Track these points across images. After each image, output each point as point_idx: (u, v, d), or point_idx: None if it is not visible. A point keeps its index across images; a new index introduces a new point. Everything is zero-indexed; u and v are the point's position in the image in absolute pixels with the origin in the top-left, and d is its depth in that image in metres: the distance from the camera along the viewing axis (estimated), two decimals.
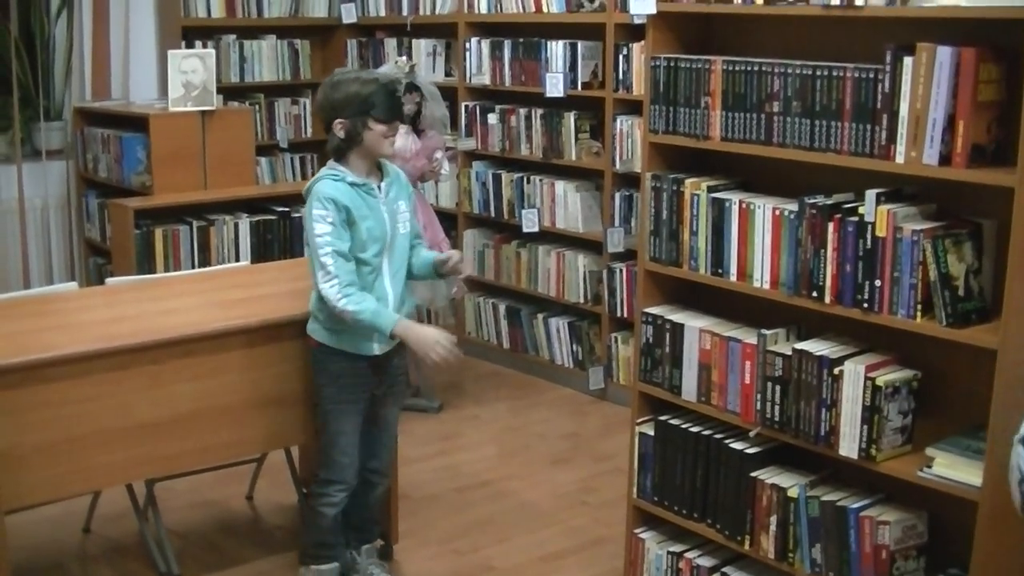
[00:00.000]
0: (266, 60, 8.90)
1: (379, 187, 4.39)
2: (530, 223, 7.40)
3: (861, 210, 3.62)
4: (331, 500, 4.55)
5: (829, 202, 3.73)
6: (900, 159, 3.52)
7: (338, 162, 4.36)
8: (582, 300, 7.31)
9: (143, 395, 4.34)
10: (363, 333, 4.38)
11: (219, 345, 4.52)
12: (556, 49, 7.20)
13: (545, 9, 7.29)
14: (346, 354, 4.42)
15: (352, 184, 4.30)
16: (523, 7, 7.42)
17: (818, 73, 3.72)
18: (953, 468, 3.51)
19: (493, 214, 7.82)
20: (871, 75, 3.57)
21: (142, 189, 7.19)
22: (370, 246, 4.30)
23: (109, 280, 5.60)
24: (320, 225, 4.23)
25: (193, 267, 6.74)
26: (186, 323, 4.56)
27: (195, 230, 6.92)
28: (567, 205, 7.30)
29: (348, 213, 4.25)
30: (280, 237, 7.15)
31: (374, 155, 4.37)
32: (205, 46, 8.30)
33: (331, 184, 4.28)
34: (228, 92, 8.55)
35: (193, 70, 7.23)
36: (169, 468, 4.70)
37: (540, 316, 7.60)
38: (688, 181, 4.16)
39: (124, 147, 7.40)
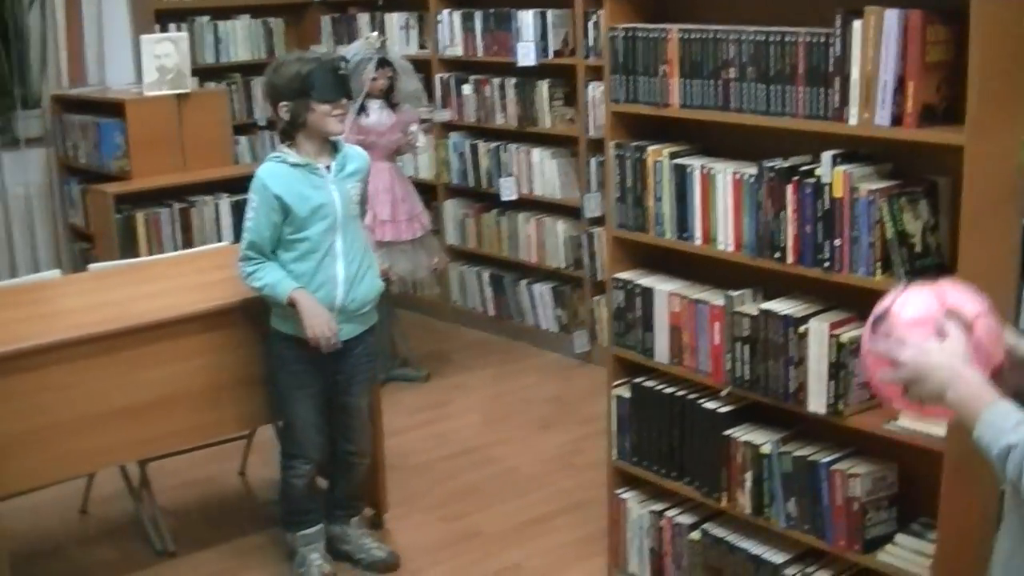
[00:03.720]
0: (241, 40, 8.96)
1: (328, 167, 4.45)
2: (508, 191, 7.48)
3: (818, 172, 3.70)
4: (296, 473, 4.68)
5: (786, 165, 3.80)
6: (853, 121, 3.59)
7: (285, 144, 4.44)
8: (563, 265, 7.39)
9: (128, 378, 4.43)
10: None
11: (200, 327, 4.60)
12: (526, 18, 7.26)
13: None
14: (298, 340, 4.48)
15: (294, 165, 4.38)
16: None
17: (771, 39, 3.78)
18: (918, 420, 3.60)
19: (471, 184, 7.90)
20: (822, 39, 3.63)
21: (121, 174, 7.25)
22: (313, 223, 4.38)
23: (92, 266, 5.68)
24: (248, 210, 4.40)
25: (175, 249, 6.81)
26: (168, 306, 4.63)
27: (176, 212, 6.99)
28: (544, 172, 7.37)
29: (281, 200, 4.34)
30: None
31: (321, 135, 4.43)
32: (179, 29, 8.33)
33: (269, 168, 4.40)
34: (204, 73, 8.59)
35: (167, 54, 7.27)
36: (157, 449, 4.79)
37: (523, 283, 7.69)
38: (650, 148, 4.23)
39: (102, 133, 7.47)
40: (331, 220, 4.41)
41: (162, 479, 5.42)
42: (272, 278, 4.37)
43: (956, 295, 2.35)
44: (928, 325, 2.25)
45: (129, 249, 6.78)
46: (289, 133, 4.44)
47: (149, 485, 5.16)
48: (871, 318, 2.41)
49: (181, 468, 5.64)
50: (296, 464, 4.67)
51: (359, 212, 4.66)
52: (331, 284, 4.43)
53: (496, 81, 7.59)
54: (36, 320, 4.58)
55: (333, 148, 4.51)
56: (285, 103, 4.38)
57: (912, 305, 2.32)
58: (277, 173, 4.36)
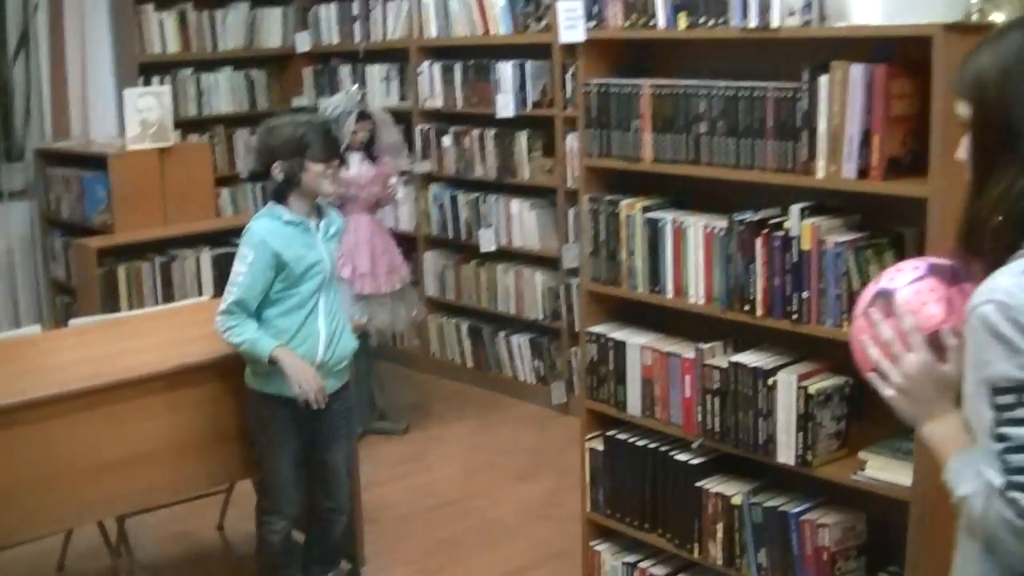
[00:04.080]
0: (223, 92, 9.00)
1: (317, 226, 4.49)
2: (488, 242, 7.51)
3: (787, 224, 3.74)
4: (272, 529, 4.68)
5: (756, 218, 3.85)
6: (821, 174, 3.64)
7: (277, 203, 4.47)
8: (541, 316, 7.42)
9: (110, 434, 4.43)
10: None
11: (181, 382, 4.60)
12: (505, 70, 7.33)
13: (493, 31, 7.41)
14: (276, 399, 4.49)
15: (288, 223, 4.41)
16: (472, 30, 7.54)
17: (740, 93, 3.84)
18: (885, 470, 3.63)
19: (452, 235, 7.93)
20: (790, 94, 3.70)
21: (104, 227, 7.28)
22: (307, 280, 4.41)
23: (73, 321, 5.70)
24: (239, 264, 4.39)
25: (157, 303, 6.83)
26: (148, 362, 4.64)
27: (157, 266, 7.02)
28: (523, 223, 7.41)
29: (279, 256, 4.36)
30: None
31: (314, 195, 4.47)
32: (163, 81, 8.38)
33: (265, 223, 4.41)
34: (187, 125, 8.63)
35: (149, 108, 7.32)
36: (137, 504, 4.79)
37: (502, 334, 7.72)
38: (624, 202, 4.28)
39: (85, 186, 7.51)
40: (321, 278, 4.46)
41: (140, 534, 5.42)
42: (253, 335, 4.39)
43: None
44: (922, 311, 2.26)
45: (111, 303, 6.81)
46: (282, 193, 4.46)
47: (127, 540, 5.16)
48: (873, 293, 2.38)
49: (159, 522, 5.64)
50: (272, 520, 4.67)
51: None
52: (314, 340, 4.46)
53: (476, 132, 7.65)
54: (16, 377, 4.59)
55: (318, 210, 4.55)
56: (279, 163, 4.40)
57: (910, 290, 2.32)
58: (274, 230, 4.39)
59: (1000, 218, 2.06)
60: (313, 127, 4.45)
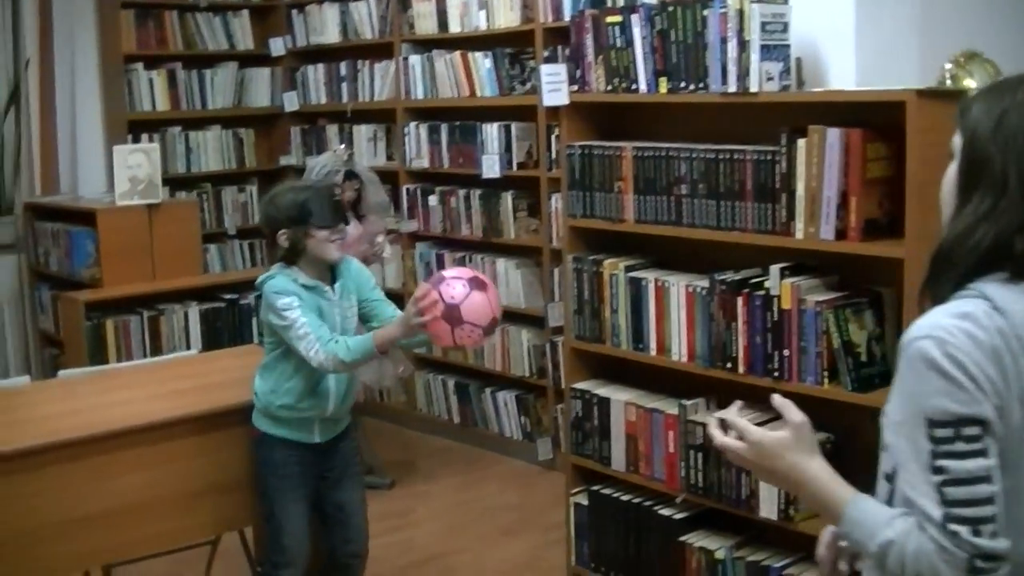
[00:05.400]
0: (211, 150, 9.08)
1: (332, 288, 4.45)
2: None
3: (767, 284, 3.83)
4: None
5: (737, 278, 3.94)
6: (799, 235, 3.73)
7: (288, 267, 4.47)
8: (527, 374, 7.47)
9: (96, 485, 4.44)
10: (304, 423, 4.48)
11: (168, 434, 4.62)
12: (491, 131, 7.42)
13: (479, 93, 7.50)
14: (288, 442, 4.49)
15: (305, 286, 4.37)
16: (457, 92, 7.63)
17: (720, 156, 3.94)
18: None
19: None
20: (769, 157, 3.79)
21: (92, 282, 7.33)
22: None
23: (61, 372, 5.74)
24: (290, 312, 4.27)
25: (144, 356, 6.87)
26: (135, 414, 4.67)
27: (145, 320, 7.07)
28: (508, 282, 7.48)
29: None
30: (229, 324, 7.31)
31: (320, 260, 4.42)
32: (151, 139, 8.48)
33: (284, 281, 4.34)
34: (175, 182, 8.72)
35: (138, 164, 7.39)
36: (123, 555, 4.80)
37: (488, 391, 7.76)
38: (607, 262, 4.37)
39: (73, 241, 7.56)
40: None
41: None
42: (352, 344, 4.29)
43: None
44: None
45: (98, 356, 6.85)
46: (290, 260, 4.45)
47: None
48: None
49: (144, 573, 5.65)
50: (283, 572, 4.62)
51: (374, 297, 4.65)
52: (323, 397, 4.44)
53: (462, 192, 7.73)
54: (4, 427, 4.61)
55: (331, 272, 4.54)
56: (284, 231, 4.37)
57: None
58: (295, 289, 4.35)
59: (970, 244, 2.13)
60: (316, 194, 4.44)
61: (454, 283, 3.99)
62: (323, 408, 4.47)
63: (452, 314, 3.94)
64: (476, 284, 3.99)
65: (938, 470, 2.02)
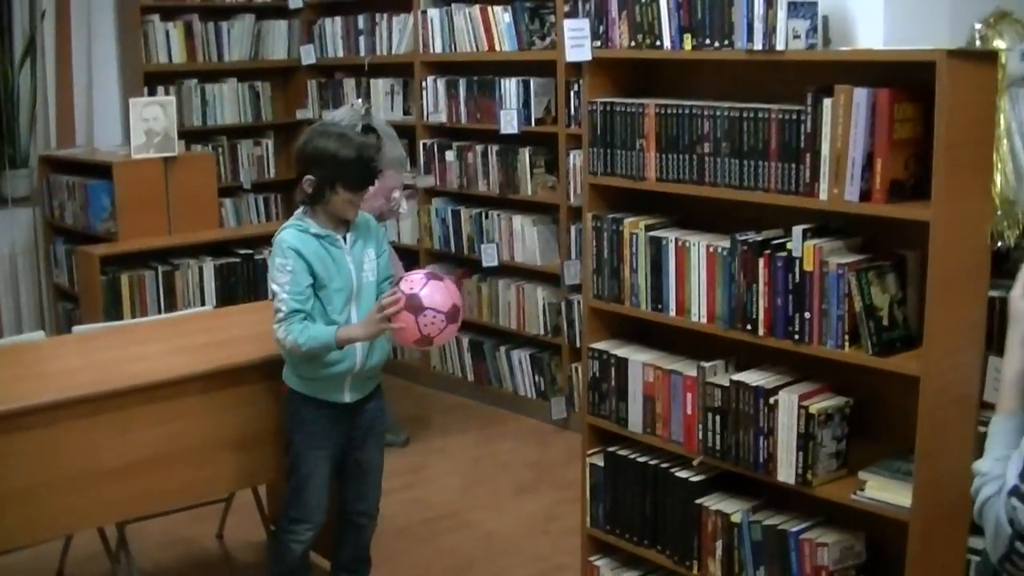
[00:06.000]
0: (228, 103, 9.05)
1: (344, 238, 4.43)
2: (489, 257, 7.55)
3: (789, 246, 3.78)
4: (298, 538, 4.63)
5: (759, 239, 3.88)
6: (823, 196, 3.68)
7: (304, 211, 4.45)
8: (542, 332, 7.45)
9: (111, 440, 4.44)
10: (333, 381, 4.46)
11: (183, 390, 4.62)
12: (509, 86, 7.38)
13: (498, 47, 7.45)
14: (317, 401, 4.48)
15: (316, 235, 4.36)
16: (476, 46, 7.58)
17: (745, 115, 3.88)
18: (884, 490, 3.67)
19: (453, 249, 7.97)
20: (794, 116, 3.73)
21: (108, 235, 7.32)
22: (335, 299, 4.36)
23: (76, 328, 5.72)
24: (280, 275, 4.30)
25: (159, 311, 6.87)
26: (151, 370, 4.67)
27: (160, 275, 7.06)
28: (525, 239, 7.45)
29: (312, 267, 4.31)
30: (244, 279, 7.30)
31: (336, 216, 4.40)
32: (167, 91, 8.44)
33: (295, 234, 4.33)
34: (191, 136, 8.67)
35: (154, 117, 7.35)
36: (138, 510, 4.81)
37: (502, 349, 7.74)
38: (627, 220, 4.32)
39: (89, 194, 7.53)
40: (347, 292, 4.41)
41: (140, 540, 5.43)
42: (311, 331, 4.31)
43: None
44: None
45: (113, 310, 6.84)
46: (308, 204, 4.45)
47: (127, 547, 5.18)
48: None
49: (159, 530, 5.66)
50: (299, 529, 4.62)
51: (387, 276, 4.65)
52: (350, 352, 4.43)
53: (479, 148, 7.69)
54: (20, 381, 4.61)
55: (346, 222, 4.51)
56: (311, 178, 4.34)
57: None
58: (304, 241, 4.34)
59: None
60: (358, 156, 4.35)
61: (413, 277, 4.30)
62: (351, 365, 4.46)
63: (413, 302, 4.20)
64: (433, 276, 4.33)
65: None
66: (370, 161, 4.43)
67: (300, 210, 4.47)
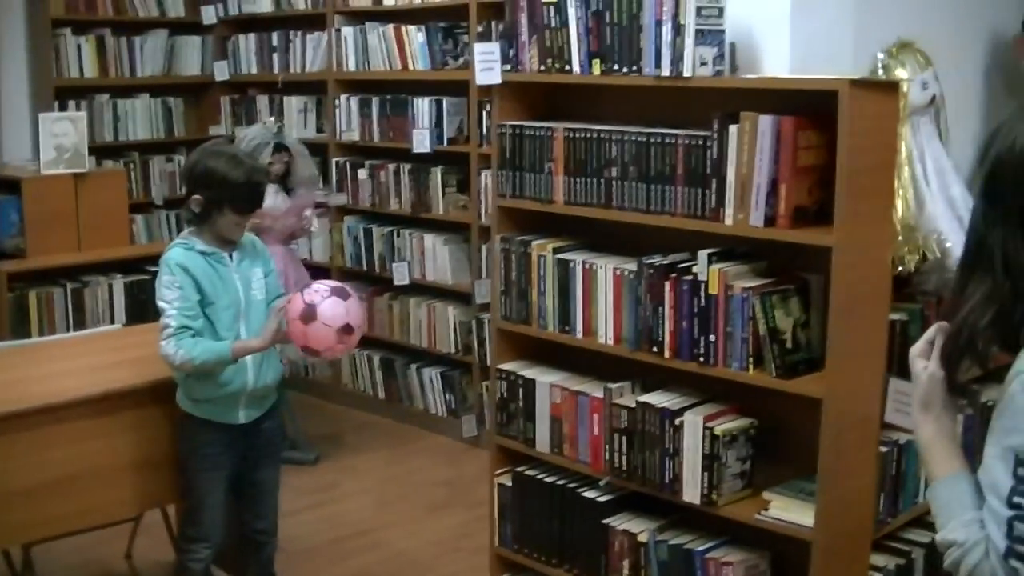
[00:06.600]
0: (140, 118, 8.98)
1: (230, 256, 4.44)
2: (401, 276, 7.56)
3: (695, 269, 3.83)
4: (197, 556, 4.62)
5: (665, 262, 3.93)
6: (729, 221, 3.74)
7: (191, 231, 4.46)
8: (453, 350, 7.47)
9: (15, 462, 4.38)
10: (227, 402, 4.45)
11: (91, 410, 4.57)
12: (422, 106, 7.40)
13: (411, 67, 7.46)
14: (211, 424, 4.47)
15: (202, 252, 4.37)
16: (390, 65, 7.59)
17: (652, 140, 3.93)
18: (788, 510, 3.73)
19: (365, 267, 7.97)
20: (700, 142, 3.79)
21: (16, 252, 7.23)
22: (223, 316, 4.38)
23: None
24: (168, 291, 4.32)
25: (68, 329, 6.81)
26: (58, 389, 4.62)
27: (69, 292, 7.01)
28: (436, 258, 7.47)
29: (199, 284, 4.32)
30: (154, 297, 7.22)
31: (221, 236, 4.41)
32: (79, 106, 8.36)
33: (182, 251, 4.35)
34: (103, 151, 8.59)
35: (65, 132, 7.30)
36: (45, 532, 4.74)
37: (413, 366, 7.75)
38: (535, 243, 4.35)
39: None
40: (235, 309, 4.41)
41: (47, 563, 5.38)
42: (203, 345, 4.32)
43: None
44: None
45: (21, 328, 6.77)
46: (195, 223, 4.46)
47: (33, 568, 5.13)
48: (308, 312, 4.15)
49: (67, 551, 5.59)
50: (197, 547, 4.61)
51: (276, 295, 4.62)
52: (241, 369, 4.43)
53: (391, 167, 7.70)
54: None
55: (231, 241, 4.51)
56: (199, 198, 4.36)
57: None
58: (191, 259, 4.35)
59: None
60: (248, 177, 4.37)
61: (318, 287, 4.27)
62: (243, 382, 4.45)
63: (308, 312, 4.18)
64: (338, 292, 4.28)
65: (1015, 505, 2.05)
66: (259, 185, 4.47)
67: (187, 229, 4.49)
